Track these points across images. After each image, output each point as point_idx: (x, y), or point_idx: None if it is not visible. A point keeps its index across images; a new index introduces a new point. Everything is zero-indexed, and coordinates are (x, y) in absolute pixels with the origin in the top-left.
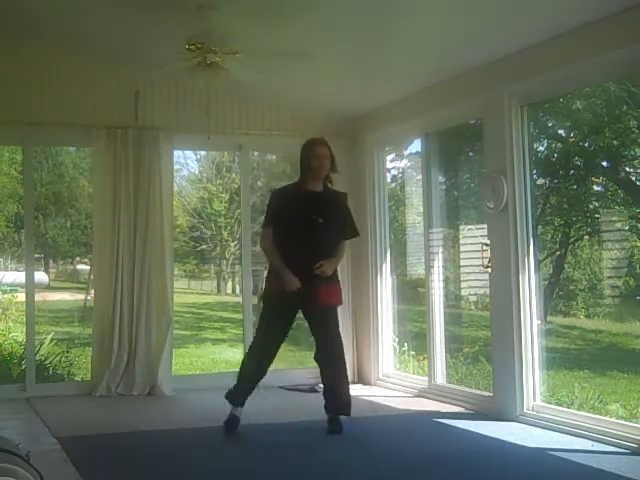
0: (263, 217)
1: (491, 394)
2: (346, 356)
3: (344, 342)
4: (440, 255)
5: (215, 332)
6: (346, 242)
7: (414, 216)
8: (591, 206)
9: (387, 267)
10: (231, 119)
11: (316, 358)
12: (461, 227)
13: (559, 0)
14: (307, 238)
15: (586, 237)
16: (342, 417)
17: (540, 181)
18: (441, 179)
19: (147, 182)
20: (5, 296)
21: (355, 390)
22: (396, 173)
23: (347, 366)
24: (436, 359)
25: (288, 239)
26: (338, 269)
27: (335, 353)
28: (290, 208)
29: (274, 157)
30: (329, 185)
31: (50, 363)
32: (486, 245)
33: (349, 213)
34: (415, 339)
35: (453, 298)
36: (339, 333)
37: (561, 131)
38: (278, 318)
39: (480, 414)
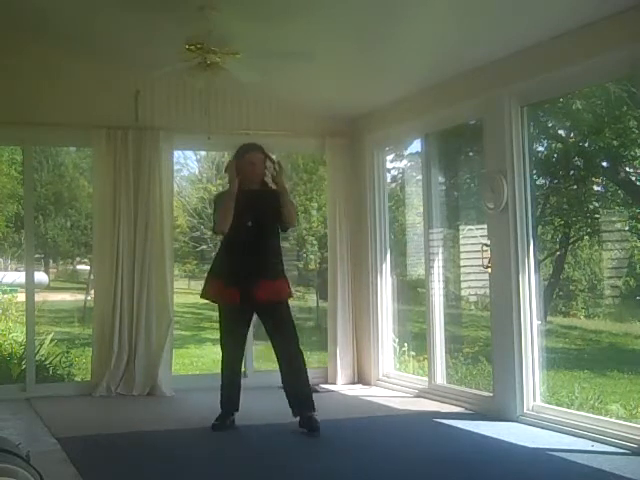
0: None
1: (491, 394)
2: (346, 356)
3: (344, 342)
4: (440, 255)
5: (215, 332)
6: (291, 208)
7: (414, 216)
8: (591, 206)
9: (387, 267)
10: (231, 119)
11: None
12: (461, 227)
13: (559, 0)
14: (241, 243)
15: (586, 237)
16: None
17: (540, 181)
18: (441, 179)
19: (147, 182)
20: (5, 296)
21: (355, 390)
22: (396, 173)
23: (305, 365)
24: (436, 359)
25: (227, 243)
26: (284, 265)
27: (291, 352)
28: None
29: (274, 157)
30: (270, 185)
31: (50, 363)
32: (486, 245)
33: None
34: (415, 339)
35: (453, 298)
36: (293, 330)
37: (561, 131)
38: (234, 325)
39: (480, 414)
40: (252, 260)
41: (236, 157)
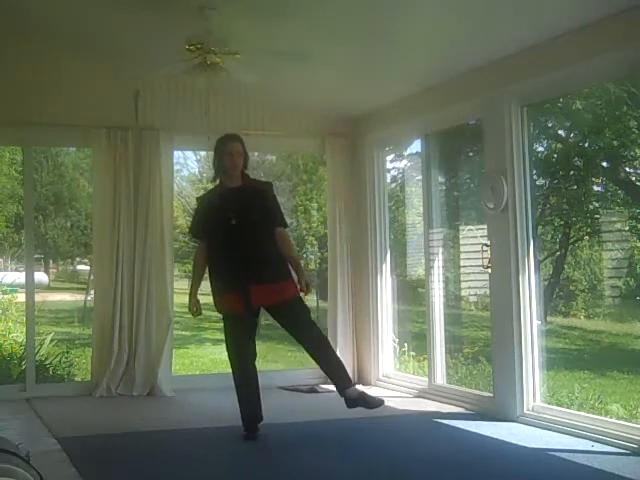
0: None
1: (491, 394)
2: (346, 356)
3: (344, 342)
4: (440, 255)
5: (215, 332)
6: (283, 232)
7: (414, 216)
8: (591, 206)
9: (387, 267)
10: (231, 119)
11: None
12: (461, 227)
13: (559, 0)
14: (228, 243)
15: (586, 237)
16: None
17: (540, 181)
18: (441, 179)
19: (147, 182)
20: (5, 296)
21: None
22: (396, 173)
23: (330, 345)
24: (436, 359)
25: (214, 247)
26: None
27: (316, 340)
28: (209, 214)
29: (274, 157)
30: (248, 176)
31: (50, 363)
32: (486, 245)
33: (273, 203)
34: (415, 339)
35: (453, 298)
36: (309, 321)
37: (561, 131)
38: (240, 330)
39: (480, 415)
40: (244, 261)
41: (215, 150)
